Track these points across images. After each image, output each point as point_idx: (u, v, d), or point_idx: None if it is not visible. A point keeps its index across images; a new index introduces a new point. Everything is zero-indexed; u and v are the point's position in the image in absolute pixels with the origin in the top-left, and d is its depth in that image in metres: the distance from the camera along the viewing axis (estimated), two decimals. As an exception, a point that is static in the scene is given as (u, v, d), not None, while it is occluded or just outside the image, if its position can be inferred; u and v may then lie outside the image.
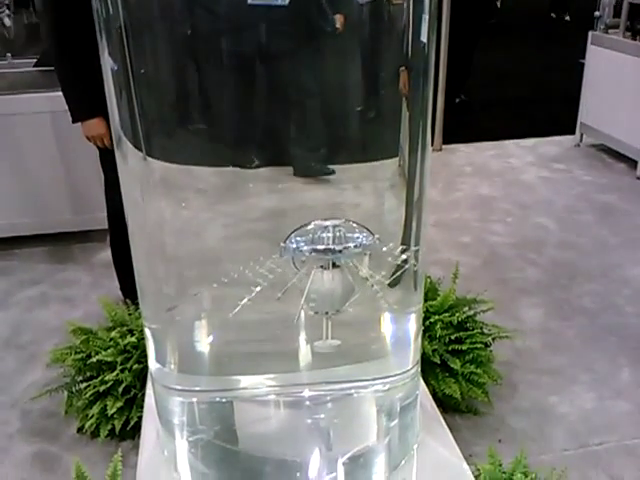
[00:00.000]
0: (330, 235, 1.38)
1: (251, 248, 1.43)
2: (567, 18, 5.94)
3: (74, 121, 2.63)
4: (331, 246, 1.37)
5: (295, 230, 1.37)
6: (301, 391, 1.64)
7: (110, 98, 1.37)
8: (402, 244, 1.50)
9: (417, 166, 1.46)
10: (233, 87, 1.28)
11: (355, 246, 1.39)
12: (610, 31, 4.93)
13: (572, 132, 5.35)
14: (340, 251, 1.38)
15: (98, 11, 1.30)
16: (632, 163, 4.78)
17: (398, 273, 1.51)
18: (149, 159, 1.35)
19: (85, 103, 2.57)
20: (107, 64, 1.35)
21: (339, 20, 1.20)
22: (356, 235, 1.41)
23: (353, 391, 1.68)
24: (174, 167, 1.41)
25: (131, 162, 1.41)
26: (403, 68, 1.32)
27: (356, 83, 1.33)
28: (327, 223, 1.38)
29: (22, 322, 3.10)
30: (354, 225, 1.40)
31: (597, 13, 4.94)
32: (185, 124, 1.35)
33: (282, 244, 1.36)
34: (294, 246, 1.37)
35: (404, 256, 1.47)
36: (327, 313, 1.46)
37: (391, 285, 1.55)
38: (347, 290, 1.44)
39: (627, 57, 4.70)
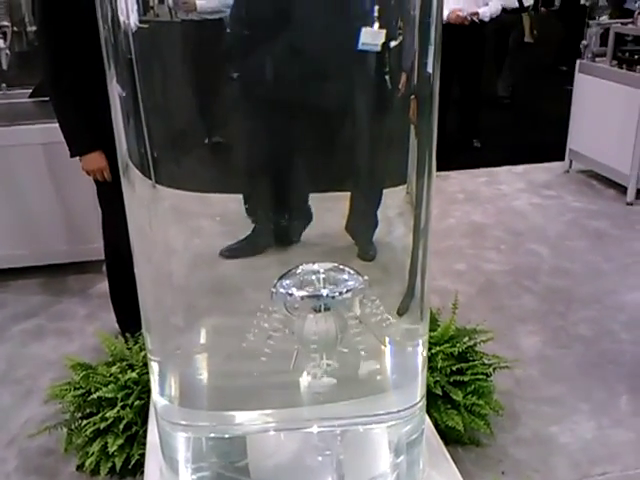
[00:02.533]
0: (320, 278, 1.39)
1: (263, 277, 1.42)
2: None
3: (73, 155, 2.62)
4: (324, 292, 1.38)
5: (284, 275, 1.38)
6: (309, 426, 1.64)
7: (117, 126, 1.37)
8: (410, 273, 1.51)
9: (424, 193, 1.47)
10: (246, 114, 1.29)
11: (347, 290, 1.40)
12: (597, 59, 5.01)
13: (561, 159, 5.41)
14: (333, 297, 1.39)
15: (106, 39, 1.30)
16: (621, 189, 4.83)
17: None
18: (158, 186, 1.35)
19: (84, 137, 2.57)
20: (114, 92, 1.36)
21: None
22: (345, 277, 1.42)
23: (360, 427, 1.68)
24: (183, 194, 1.41)
25: (139, 190, 1.41)
26: (413, 97, 1.34)
27: (369, 113, 1.34)
28: (316, 267, 1.40)
29: (18, 356, 3.06)
30: (342, 267, 1.41)
31: (584, 42, 5.02)
32: (194, 151, 1.36)
33: (272, 289, 1.37)
34: (284, 291, 1.38)
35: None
36: (328, 365, 1.47)
37: (400, 313, 1.56)
38: (341, 330, 1.45)
39: (614, 85, 4.78)
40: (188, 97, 1.28)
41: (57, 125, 2.82)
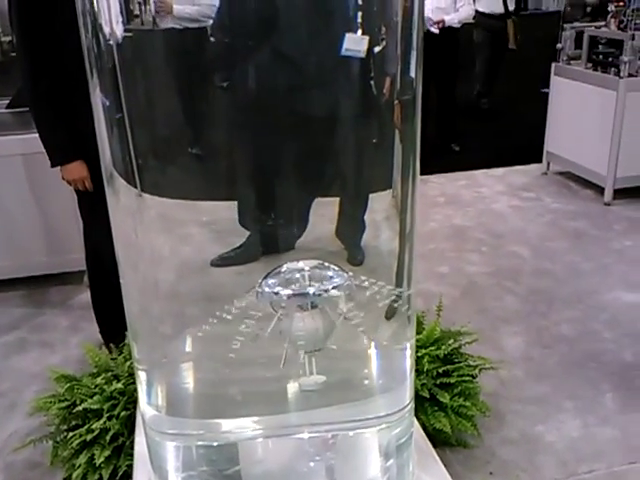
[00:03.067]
0: (306, 276, 1.39)
1: (252, 284, 1.42)
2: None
3: (53, 165, 2.60)
4: (310, 290, 1.38)
5: (268, 274, 1.38)
6: (299, 432, 1.63)
7: (101, 135, 1.36)
8: (397, 276, 1.52)
9: (408, 197, 1.48)
10: (231, 124, 1.29)
11: (333, 287, 1.40)
12: (572, 62, 5.08)
13: (539, 161, 5.47)
14: (320, 294, 1.39)
15: (89, 48, 1.30)
16: (598, 189, 4.90)
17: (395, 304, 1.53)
18: (144, 195, 1.35)
19: (65, 146, 2.56)
20: (98, 101, 1.35)
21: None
22: (330, 274, 1.42)
23: (350, 432, 1.68)
24: (169, 202, 1.40)
25: (123, 199, 1.40)
26: (397, 102, 1.35)
27: (356, 118, 1.35)
28: (300, 265, 1.40)
29: (0, 369, 3.03)
30: (327, 265, 1.41)
31: (559, 45, 5.08)
32: (181, 158, 1.35)
33: (258, 289, 1.37)
34: (269, 290, 1.38)
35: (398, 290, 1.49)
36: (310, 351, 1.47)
37: (387, 317, 1.57)
38: (329, 327, 1.45)
39: (589, 87, 4.85)
40: (173, 105, 1.27)
41: (36, 135, 2.79)
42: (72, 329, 3.31)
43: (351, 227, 1.39)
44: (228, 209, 1.34)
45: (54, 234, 3.59)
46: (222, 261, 1.35)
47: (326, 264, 1.40)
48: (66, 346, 3.18)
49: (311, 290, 1.38)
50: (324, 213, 1.35)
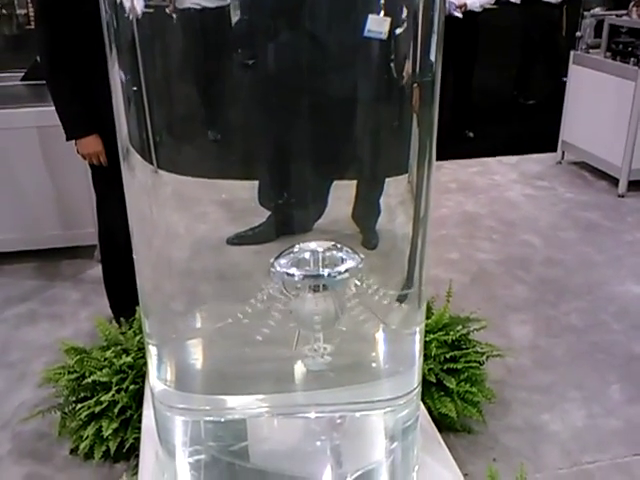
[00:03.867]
0: (319, 257, 1.39)
1: (266, 264, 1.42)
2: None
3: (69, 138, 2.61)
4: (324, 271, 1.38)
5: (281, 254, 1.38)
6: (306, 411, 1.65)
7: (118, 111, 1.37)
8: (409, 261, 1.52)
9: (424, 182, 1.48)
10: (248, 98, 1.28)
11: (346, 270, 1.40)
12: (591, 51, 5.02)
13: (554, 149, 5.43)
14: (334, 276, 1.39)
15: (109, 24, 1.29)
16: (613, 181, 4.86)
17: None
18: (160, 171, 1.35)
19: (82, 120, 2.56)
20: (116, 77, 1.35)
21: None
22: (343, 256, 1.42)
23: (357, 413, 1.69)
24: (185, 179, 1.40)
25: (139, 175, 1.40)
26: (416, 85, 1.34)
27: (368, 102, 1.34)
28: (312, 245, 1.39)
29: (10, 340, 3.06)
30: (340, 246, 1.41)
31: (579, 33, 5.03)
32: (198, 135, 1.35)
33: (272, 269, 1.37)
34: (282, 270, 1.38)
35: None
36: (325, 349, 1.47)
37: (399, 301, 1.57)
38: (340, 309, 1.45)
39: (608, 76, 4.80)
40: (191, 83, 1.27)
41: (51, 108, 2.78)
42: (82, 302, 3.34)
43: (367, 210, 1.39)
44: (245, 188, 1.34)
45: (67, 208, 3.60)
46: (239, 239, 1.36)
47: (339, 245, 1.40)
48: (76, 319, 3.20)
49: (326, 272, 1.38)
50: (341, 195, 1.35)
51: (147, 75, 1.24)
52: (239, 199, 1.38)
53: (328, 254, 1.40)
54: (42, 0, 2.46)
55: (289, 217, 1.35)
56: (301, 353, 1.56)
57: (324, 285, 1.39)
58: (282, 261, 1.38)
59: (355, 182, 1.37)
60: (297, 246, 1.38)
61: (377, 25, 1.12)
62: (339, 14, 1.17)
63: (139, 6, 1.18)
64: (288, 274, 1.37)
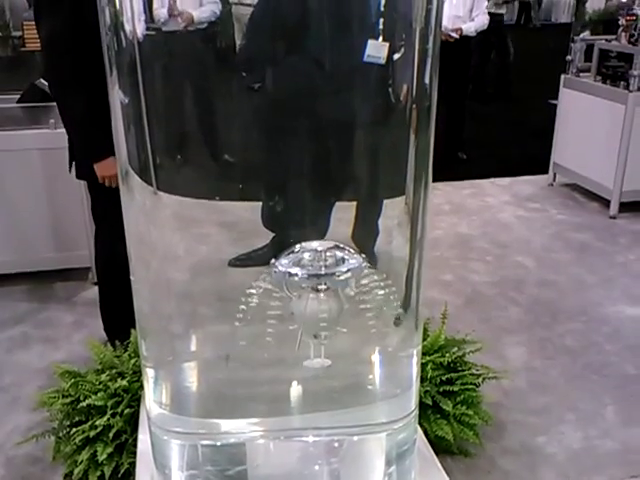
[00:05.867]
0: (323, 257, 1.38)
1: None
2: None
3: (92, 162, 2.53)
4: (325, 270, 1.38)
5: (282, 254, 1.37)
6: (304, 435, 1.64)
7: (117, 132, 1.37)
8: (406, 282, 1.52)
9: (420, 204, 1.49)
10: (248, 118, 1.30)
11: (348, 270, 1.40)
12: (581, 74, 5.08)
13: (545, 172, 5.47)
14: (338, 275, 1.38)
15: (109, 46, 1.30)
16: (604, 202, 4.90)
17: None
18: (160, 193, 1.35)
19: (102, 142, 2.51)
20: (116, 98, 1.35)
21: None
22: (341, 255, 1.41)
23: (355, 437, 1.68)
24: (185, 200, 1.40)
25: (138, 196, 1.41)
26: (413, 108, 1.36)
27: (367, 125, 1.35)
28: (314, 245, 1.39)
29: (3, 363, 3.03)
30: (342, 246, 1.41)
31: (569, 57, 5.09)
32: (200, 157, 1.36)
33: (273, 269, 1.36)
34: (283, 270, 1.38)
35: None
36: (319, 337, 1.45)
37: (396, 323, 1.58)
38: (340, 310, 1.44)
39: (598, 100, 4.85)
40: (192, 105, 1.29)
41: (44, 131, 2.77)
42: (76, 325, 3.32)
43: (365, 232, 1.40)
44: (245, 210, 1.34)
45: (61, 230, 3.60)
46: (241, 261, 1.36)
47: (341, 245, 1.39)
48: (69, 342, 3.18)
49: (331, 271, 1.37)
50: (342, 217, 1.35)
51: (148, 96, 1.25)
52: (241, 220, 1.38)
53: (330, 254, 1.39)
54: (51, 22, 2.41)
55: (292, 239, 1.35)
56: (299, 375, 1.57)
57: (327, 285, 1.38)
58: (283, 261, 1.37)
59: (355, 203, 1.38)
60: (298, 246, 1.37)
61: (376, 50, 1.14)
62: (342, 40, 1.19)
63: (140, 29, 1.19)
64: (290, 274, 1.37)
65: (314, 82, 1.19)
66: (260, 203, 1.33)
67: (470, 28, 5.55)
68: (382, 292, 1.45)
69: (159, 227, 1.40)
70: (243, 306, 1.38)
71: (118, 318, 2.95)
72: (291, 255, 1.37)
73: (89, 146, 2.55)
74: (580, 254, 4.22)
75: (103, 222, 2.78)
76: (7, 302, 3.53)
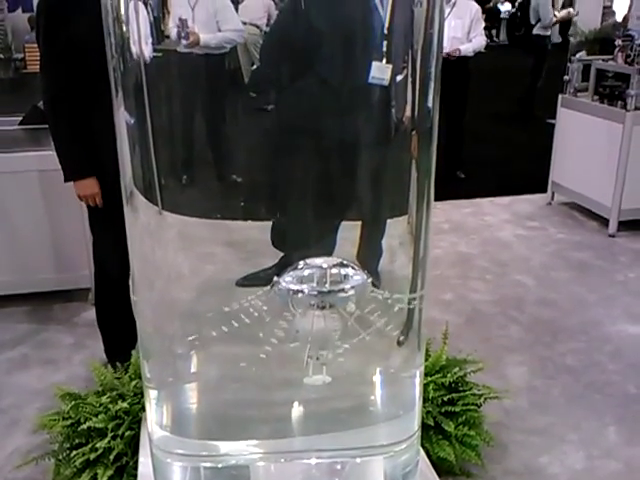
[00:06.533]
0: (327, 274, 1.38)
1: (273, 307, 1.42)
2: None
3: (67, 180, 2.63)
4: (329, 288, 1.37)
5: (285, 270, 1.37)
6: (307, 457, 1.63)
7: (122, 153, 1.38)
8: (408, 303, 1.52)
9: (422, 224, 1.50)
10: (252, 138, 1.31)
11: (352, 287, 1.39)
12: (579, 94, 5.12)
13: (544, 190, 5.49)
14: (346, 292, 1.38)
15: (115, 67, 1.32)
16: (603, 221, 4.91)
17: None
18: (165, 213, 1.36)
19: (81, 163, 2.58)
20: (121, 119, 1.36)
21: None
22: (345, 272, 1.41)
23: (358, 459, 1.67)
24: (191, 220, 1.41)
25: (143, 216, 1.41)
26: (414, 132, 1.37)
27: (373, 146, 1.37)
28: (318, 262, 1.39)
29: (2, 385, 3.02)
30: (346, 263, 1.41)
31: (566, 77, 5.13)
32: (207, 177, 1.36)
33: (277, 287, 1.36)
34: (286, 286, 1.38)
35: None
36: (317, 358, 1.45)
37: (399, 343, 1.57)
38: (342, 326, 1.44)
39: (596, 119, 4.89)
40: (198, 126, 1.30)
41: (48, 153, 2.80)
42: (76, 347, 3.31)
43: (369, 252, 1.41)
44: (252, 229, 1.35)
45: (61, 251, 3.60)
46: (249, 281, 1.36)
47: (345, 262, 1.39)
48: (69, 364, 3.17)
49: (336, 288, 1.36)
50: (346, 236, 1.36)
51: (154, 117, 1.26)
52: (249, 240, 1.39)
53: (334, 271, 1.38)
54: (47, 46, 2.49)
55: (301, 258, 1.35)
56: (305, 399, 1.56)
57: (331, 302, 1.38)
58: (287, 278, 1.37)
59: (359, 223, 1.39)
60: (302, 262, 1.37)
61: (380, 72, 1.15)
62: (347, 62, 1.21)
63: (148, 50, 1.20)
64: (295, 291, 1.37)
65: (323, 103, 1.20)
66: (267, 223, 1.34)
67: (468, 49, 5.62)
68: (385, 312, 1.45)
69: (164, 247, 1.40)
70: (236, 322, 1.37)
71: (116, 338, 2.95)
72: (294, 272, 1.37)
73: (68, 166, 2.63)
74: (580, 273, 4.23)
75: (99, 237, 2.82)
76: (7, 323, 3.52)
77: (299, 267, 1.37)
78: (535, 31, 8.47)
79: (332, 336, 1.41)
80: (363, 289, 1.41)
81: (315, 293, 1.36)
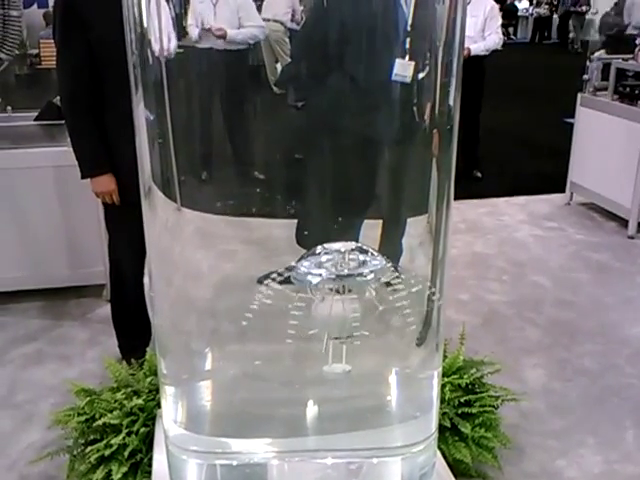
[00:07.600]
0: (346, 258, 1.36)
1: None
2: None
3: (84, 177, 2.62)
4: (348, 272, 1.35)
5: (303, 256, 1.35)
6: (323, 456, 1.61)
7: (141, 149, 1.37)
8: (428, 301, 1.51)
9: (442, 223, 1.48)
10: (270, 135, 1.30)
11: (371, 271, 1.37)
12: (598, 93, 5.06)
13: (562, 190, 5.44)
14: (365, 277, 1.36)
15: (135, 64, 1.31)
16: (622, 222, 4.86)
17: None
18: (183, 209, 1.35)
19: (97, 159, 2.57)
20: (141, 116, 1.35)
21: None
22: (363, 258, 1.39)
23: (375, 459, 1.65)
24: (209, 217, 1.40)
25: (161, 213, 1.40)
26: (435, 130, 1.35)
27: (395, 144, 1.35)
28: (336, 246, 1.37)
29: (17, 380, 3.02)
30: (365, 248, 1.39)
31: (586, 76, 5.08)
32: (224, 174, 1.35)
33: (295, 272, 1.34)
34: (305, 270, 1.36)
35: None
36: (340, 338, 1.43)
37: (418, 344, 1.56)
38: (362, 311, 1.41)
39: (615, 119, 4.83)
40: (218, 122, 1.28)
41: (63, 149, 2.79)
42: (90, 342, 3.31)
43: (390, 250, 1.39)
44: (272, 226, 1.33)
45: (76, 247, 3.60)
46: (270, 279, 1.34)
47: (364, 247, 1.37)
48: (83, 359, 3.17)
49: (355, 272, 1.35)
50: (368, 234, 1.34)
51: (174, 113, 1.25)
52: (269, 237, 1.37)
53: (352, 256, 1.37)
54: (64, 43, 2.48)
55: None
56: (322, 397, 1.54)
57: (348, 287, 1.36)
58: (305, 263, 1.35)
59: (381, 222, 1.37)
60: (319, 247, 1.35)
61: (402, 69, 1.13)
62: (374, 59, 1.19)
63: (171, 47, 1.19)
64: (315, 276, 1.35)
65: (350, 101, 1.19)
66: (287, 221, 1.32)
67: (480, 47, 5.55)
68: (405, 311, 1.43)
69: (182, 243, 1.39)
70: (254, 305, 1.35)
71: (132, 335, 2.95)
72: (313, 257, 1.36)
73: (85, 162, 2.62)
74: (598, 274, 4.18)
75: (115, 233, 2.82)
76: (21, 319, 3.53)
77: (317, 252, 1.36)
78: (629, 31, 8.39)
79: (352, 320, 1.39)
80: (382, 273, 1.38)
81: (333, 277, 1.35)
